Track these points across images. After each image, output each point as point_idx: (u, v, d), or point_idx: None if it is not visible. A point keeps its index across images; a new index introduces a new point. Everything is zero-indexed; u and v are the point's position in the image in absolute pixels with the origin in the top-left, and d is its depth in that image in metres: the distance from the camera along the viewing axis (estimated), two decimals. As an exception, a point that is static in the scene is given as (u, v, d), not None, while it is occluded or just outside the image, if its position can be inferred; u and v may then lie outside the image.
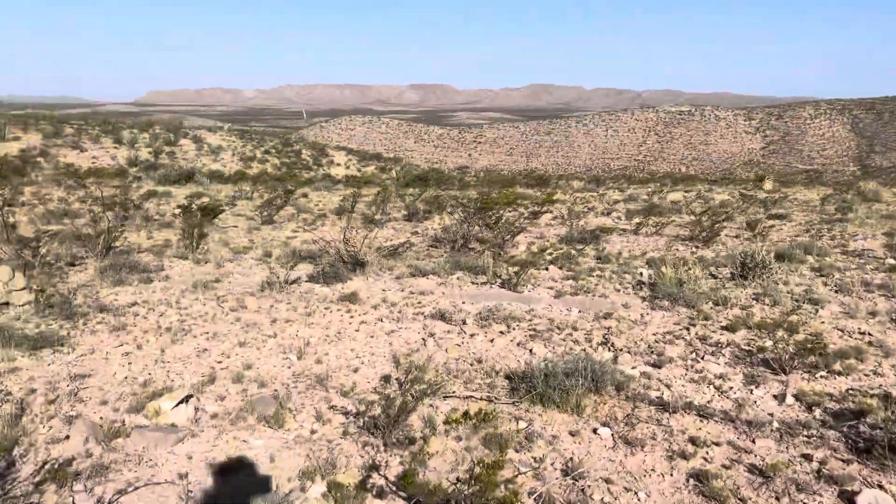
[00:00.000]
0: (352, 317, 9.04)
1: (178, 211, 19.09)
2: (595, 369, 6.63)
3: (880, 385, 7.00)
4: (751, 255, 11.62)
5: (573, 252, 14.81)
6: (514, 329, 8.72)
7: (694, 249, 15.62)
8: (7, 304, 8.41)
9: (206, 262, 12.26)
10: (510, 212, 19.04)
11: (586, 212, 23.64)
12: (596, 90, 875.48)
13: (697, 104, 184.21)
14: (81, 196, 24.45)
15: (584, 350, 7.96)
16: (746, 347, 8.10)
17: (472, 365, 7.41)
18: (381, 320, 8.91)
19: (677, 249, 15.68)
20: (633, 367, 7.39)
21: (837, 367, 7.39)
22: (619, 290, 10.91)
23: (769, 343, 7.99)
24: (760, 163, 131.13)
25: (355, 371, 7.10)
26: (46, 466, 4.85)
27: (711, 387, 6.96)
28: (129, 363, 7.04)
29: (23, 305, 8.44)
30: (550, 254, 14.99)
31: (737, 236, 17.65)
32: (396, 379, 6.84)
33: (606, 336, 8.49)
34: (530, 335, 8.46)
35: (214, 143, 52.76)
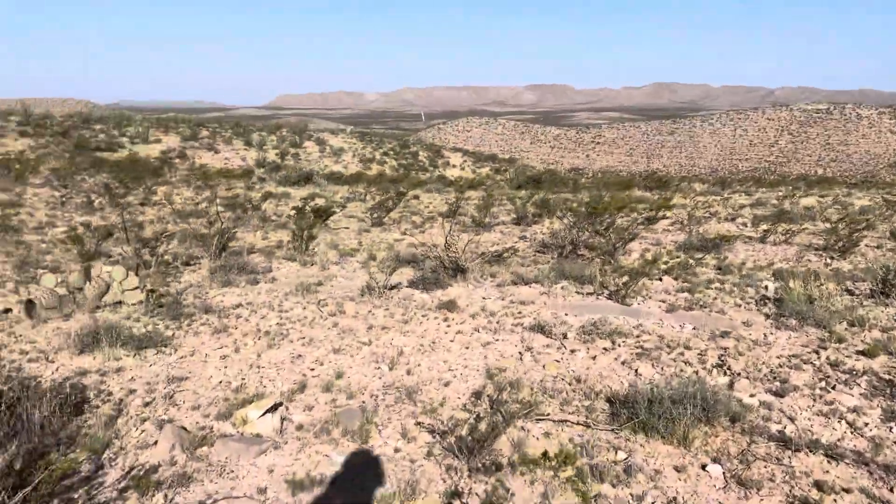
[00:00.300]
0: (448, 326, 8.77)
1: (292, 212, 19.67)
2: (707, 396, 6.01)
3: None
4: (894, 269, 10.40)
5: (691, 261, 13.91)
6: (619, 346, 8.15)
7: (828, 261, 14.28)
8: (120, 302, 8.77)
9: (312, 265, 12.42)
10: (622, 217, 18.24)
11: (708, 217, 22.34)
12: (724, 88, 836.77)
13: (837, 102, 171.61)
14: (207, 196, 25.77)
15: (697, 373, 7.30)
16: (886, 377, 7.14)
17: (570, 384, 6.93)
18: (478, 330, 8.58)
19: (809, 261, 14.41)
20: (752, 395, 6.66)
21: None
22: (739, 306, 10.03)
23: (915, 373, 7.02)
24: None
25: (446, 385, 6.81)
26: (132, 473, 4.88)
27: (843, 422, 6.15)
28: (226, 367, 7.10)
29: (134, 305, 8.78)
30: (666, 262, 14.16)
31: (878, 247, 16.05)
32: (488, 396, 6.49)
33: (723, 358, 7.75)
34: (637, 353, 7.86)
35: (336, 145, 54.49)
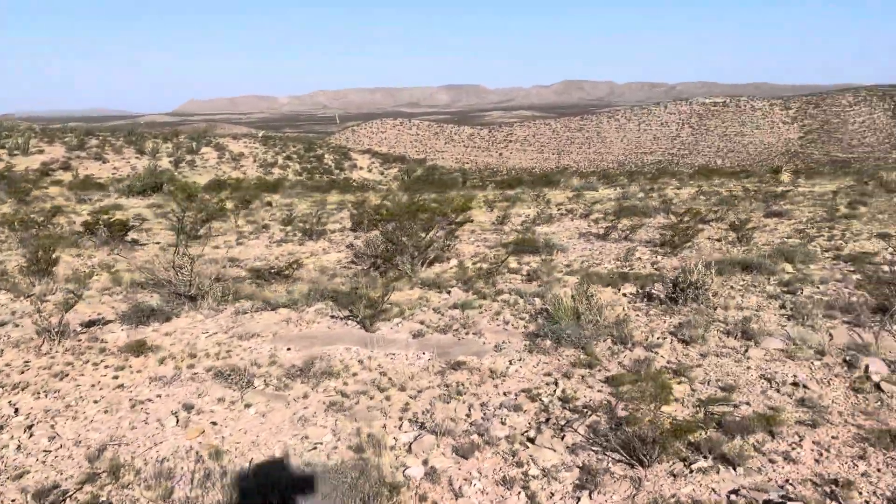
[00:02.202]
0: (115, 377, 6.86)
1: (81, 228, 17.33)
2: (329, 479, 4.39)
3: (786, 480, 4.63)
4: (684, 271, 9.20)
5: (511, 264, 12.54)
6: (318, 391, 6.46)
7: (658, 258, 13.17)
8: None
9: (29, 296, 10.24)
10: (455, 221, 16.73)
11: (564, 214, 21.24)
12: (629, 84, 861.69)
13: (733, 95, 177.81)
14: (30, 211, 22.93)
15: (385, 426, 5.67)
16: (621, 413, 5.72)
17: (200, 462, 5.16)
18: (148, 382, 6.72)
19: (639, 259, 13.28)
20: (425, 461, 5.07)
21: (730, 450, 5.01)
22: (507, 324, 8.51)
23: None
24: (799, 153, 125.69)
25: (18, 478, 4.92)
26: None
27: (523, 494, 4.65)
28: None
29: None
30: (480, 269, 12.74)
31: (719, 239, 15.16)
32: (60, 493, 4.66)
33: (433, 402, 6.16)
34: (332, 402, 6.19)
35: (236, 150, 51.68)
